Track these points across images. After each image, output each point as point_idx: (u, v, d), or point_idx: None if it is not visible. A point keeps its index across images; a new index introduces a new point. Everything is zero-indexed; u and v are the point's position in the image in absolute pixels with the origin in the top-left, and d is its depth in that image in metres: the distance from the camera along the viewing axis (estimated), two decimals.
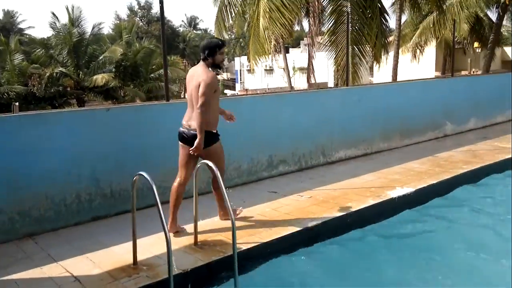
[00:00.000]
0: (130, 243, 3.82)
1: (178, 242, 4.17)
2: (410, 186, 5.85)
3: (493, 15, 21.65)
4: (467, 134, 9.42)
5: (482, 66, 18.64)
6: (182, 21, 65.42)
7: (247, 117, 6.21)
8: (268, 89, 29.67)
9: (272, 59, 12.74)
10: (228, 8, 10.86)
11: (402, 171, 6.61)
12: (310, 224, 4.61)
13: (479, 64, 23.40)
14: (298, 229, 4.49)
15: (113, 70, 25.53)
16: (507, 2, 16.53)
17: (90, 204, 4.86)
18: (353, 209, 5.03)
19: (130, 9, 58.12)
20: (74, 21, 24.99)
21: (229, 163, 5.95)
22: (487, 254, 4.30)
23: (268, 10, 8.07)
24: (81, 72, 24.83)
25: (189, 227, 4.32)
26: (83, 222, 4.80)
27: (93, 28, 26.29)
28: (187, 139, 4.25)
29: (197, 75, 4.21)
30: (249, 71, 33.27)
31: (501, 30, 24.00)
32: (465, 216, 5.29)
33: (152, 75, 26.83)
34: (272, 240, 4.26)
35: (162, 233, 3.24)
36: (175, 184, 4.41)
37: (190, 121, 4.25)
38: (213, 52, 4.21)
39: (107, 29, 48.32)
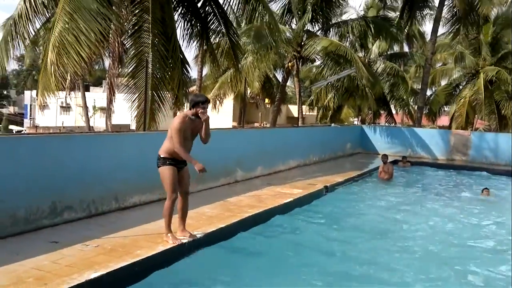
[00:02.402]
0: None
1: None
2: (200, 230, 6.02)
3: (280, 77, 24.98)
4: (255, 180, 10.33)
5: (270, 120, 21.07)
6: None
7: (28, 158, 5.58)
8: (64, 127, 27.44)
9: (66, 96, 11.85)
10: (15, 37, 9.74)
11: (194, 216, 6.77)
12: (93, 276, 4.27)
13: (268, 118, 26.38)
14: (78, 282, 4.10)
15: None
16: (290, 67, 19.25)
17: None
18: (142, 257, 4.88)
19: None
20: None
21: (0, 210, 5.18)
22: None
23: (57, 44, 7.47)
24: None
25: None
26: None
27: None
28: None
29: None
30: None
31: (286, 90, 27.78)
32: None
33: None
34: None
35: None
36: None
37: None
38: (194, 106, 5.45)
39: None
